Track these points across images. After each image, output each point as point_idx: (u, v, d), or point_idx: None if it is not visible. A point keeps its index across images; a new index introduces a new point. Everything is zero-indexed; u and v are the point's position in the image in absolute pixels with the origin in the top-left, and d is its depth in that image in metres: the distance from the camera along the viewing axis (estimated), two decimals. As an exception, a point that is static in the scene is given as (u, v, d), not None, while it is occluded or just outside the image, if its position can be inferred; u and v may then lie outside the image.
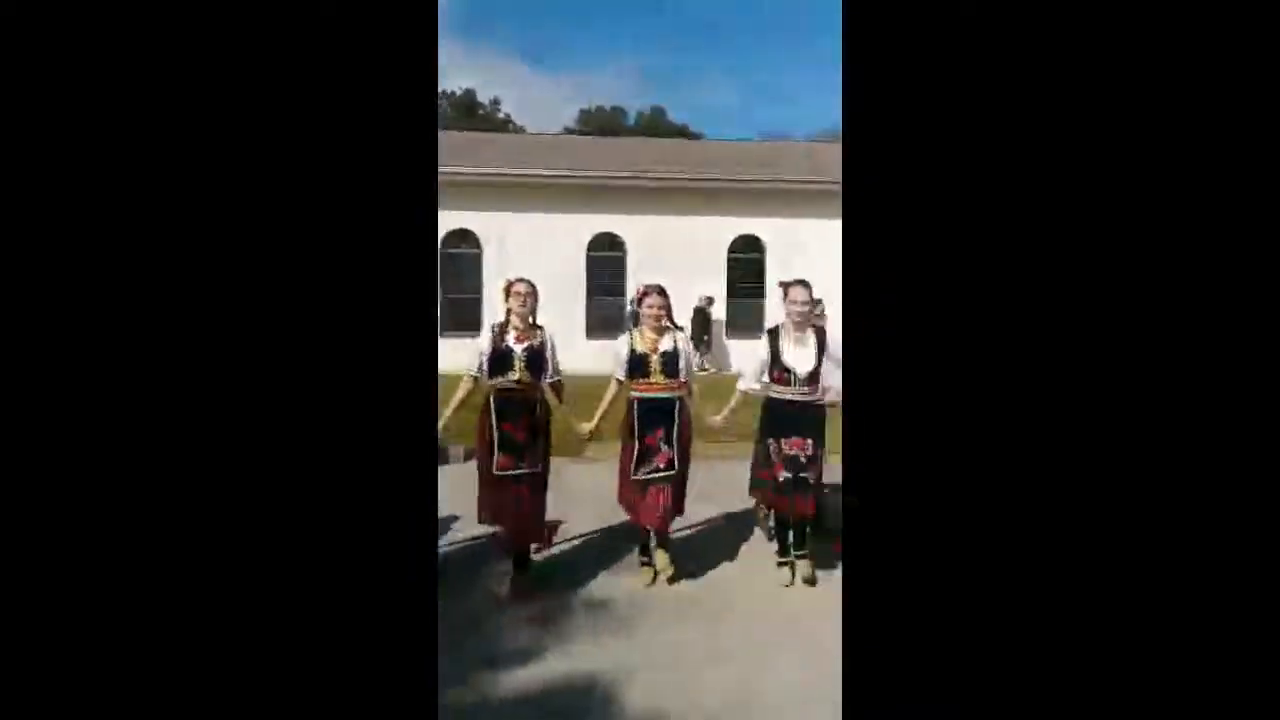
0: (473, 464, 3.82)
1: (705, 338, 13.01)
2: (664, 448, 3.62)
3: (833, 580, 3.82)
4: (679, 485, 3.72)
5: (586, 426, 3.80)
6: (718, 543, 4.44)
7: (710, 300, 13.29)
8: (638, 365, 3.64)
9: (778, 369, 3.71)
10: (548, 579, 3.78)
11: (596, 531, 4.60)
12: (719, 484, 4.82)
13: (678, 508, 3.74)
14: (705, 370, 11.76)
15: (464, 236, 13.20)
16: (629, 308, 12.34)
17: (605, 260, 13.56)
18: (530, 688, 2.81)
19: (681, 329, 3.80)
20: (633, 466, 3.63)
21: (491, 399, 3.55)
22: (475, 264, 13.21)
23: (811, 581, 3.78)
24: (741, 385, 3.89)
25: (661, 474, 3.63)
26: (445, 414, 3.55)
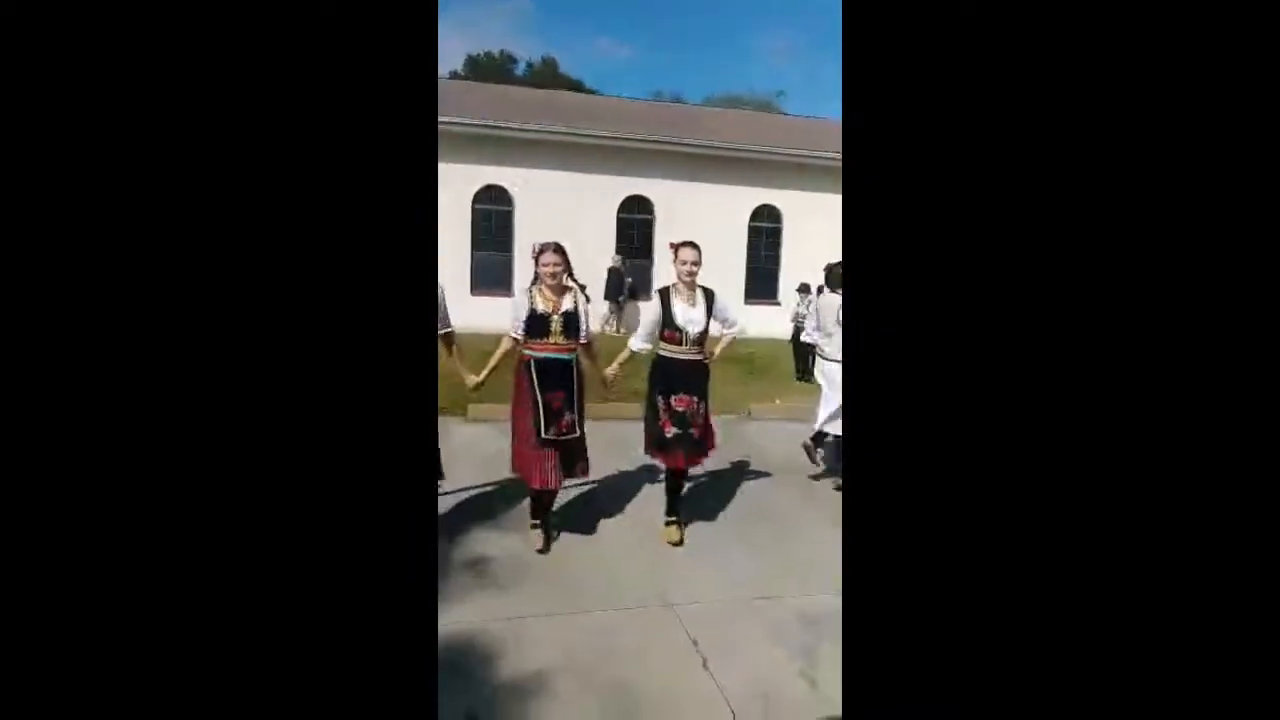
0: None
1: (620, 298, 12.99)
2: (565, 413, 3.56)
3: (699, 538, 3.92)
4: (580, 446, 3.70)
5: (474, 379, 3.81)
6: (608, 502, 4.47)
7: (623, 260, 13.25)
8: (537, 325, 3.56)
9: (669, 328, 3.76)
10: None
11: (475, 488, 4.53)
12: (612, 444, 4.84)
13: (581, 469, 3.73)
14: (619, 333, 11.72)
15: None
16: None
17: (492, 214, 13.24)
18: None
19: (584, 287, 3.78)
20: (540, 428, 3.53)
21: (532, 366, 3.56)
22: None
23: (677, 543, 3.85)
24: (633, 344, 3.92)
25: (565, 437, 3.58)
26: (483, 374, 3.79)
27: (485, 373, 3.78)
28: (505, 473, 4.03)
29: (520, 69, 39.82)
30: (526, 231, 12.74)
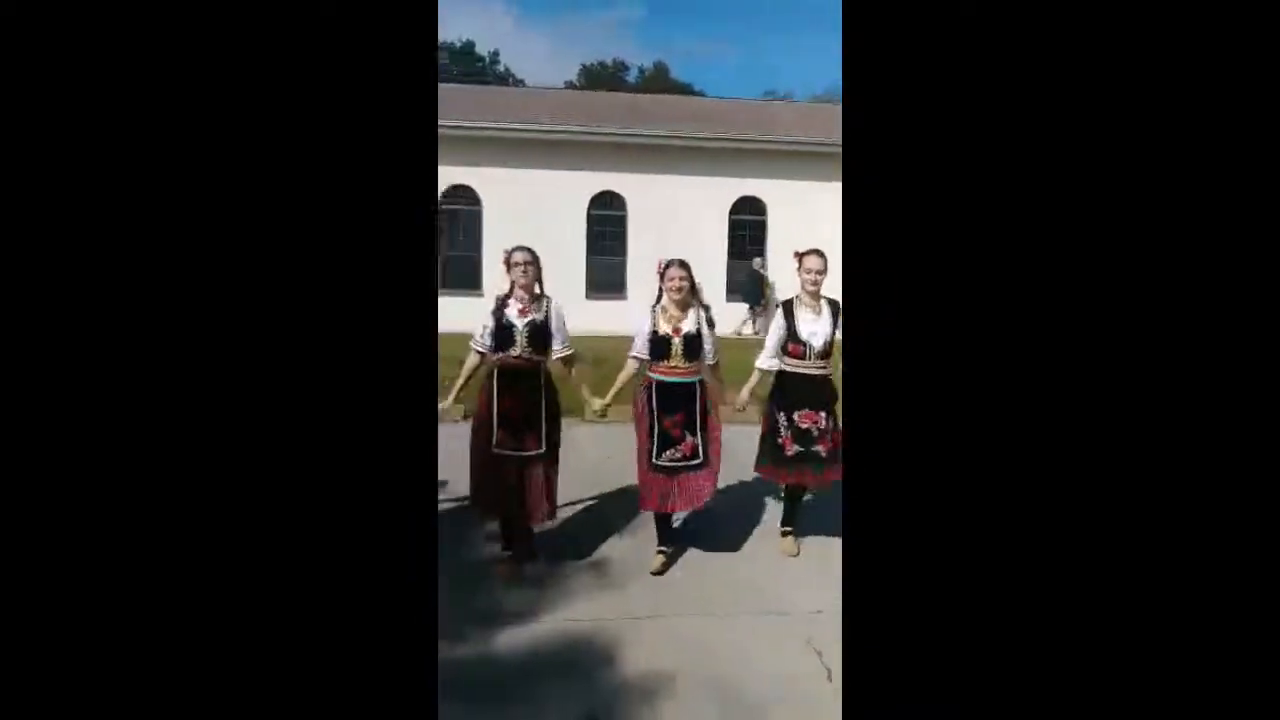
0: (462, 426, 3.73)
1: (760, 301, 12.99)
2: (687, 436, 3.45)
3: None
4: (706, 475, 3.53)
5: (600, 403, 3.65)
6: (728, 508, 4.45)
7: (762, 262, 13.23)
8: (659, 347, 3.44)
9: (793, 342, 3.63)
10: (547, 549, 3.77)
11: (594, 499, 4.60)
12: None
13: (699, 498, 3.54)
14: (758, 334, 11.73)
15: (463, 192, 13.06)
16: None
17: (606, 219, 13.44)
18: (529, 643, 2.82)
19: (708, 307, 3.63)
20: (653, 451, 3.47)
21: (494, 375, 3.42)
22: (475, 220, 13.10)
23: (794, 554, 3.76)
24: (760, 363, 3.78)
25: (684, 463, 3.47)
26: (451, 393, 3.49)
27: (610, 396, 3.65)
28: (622, 478, 4.06)
29: (632, 75, 40.30)
30: (639, 236, 12.88)
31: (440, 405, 3.38)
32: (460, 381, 3.54)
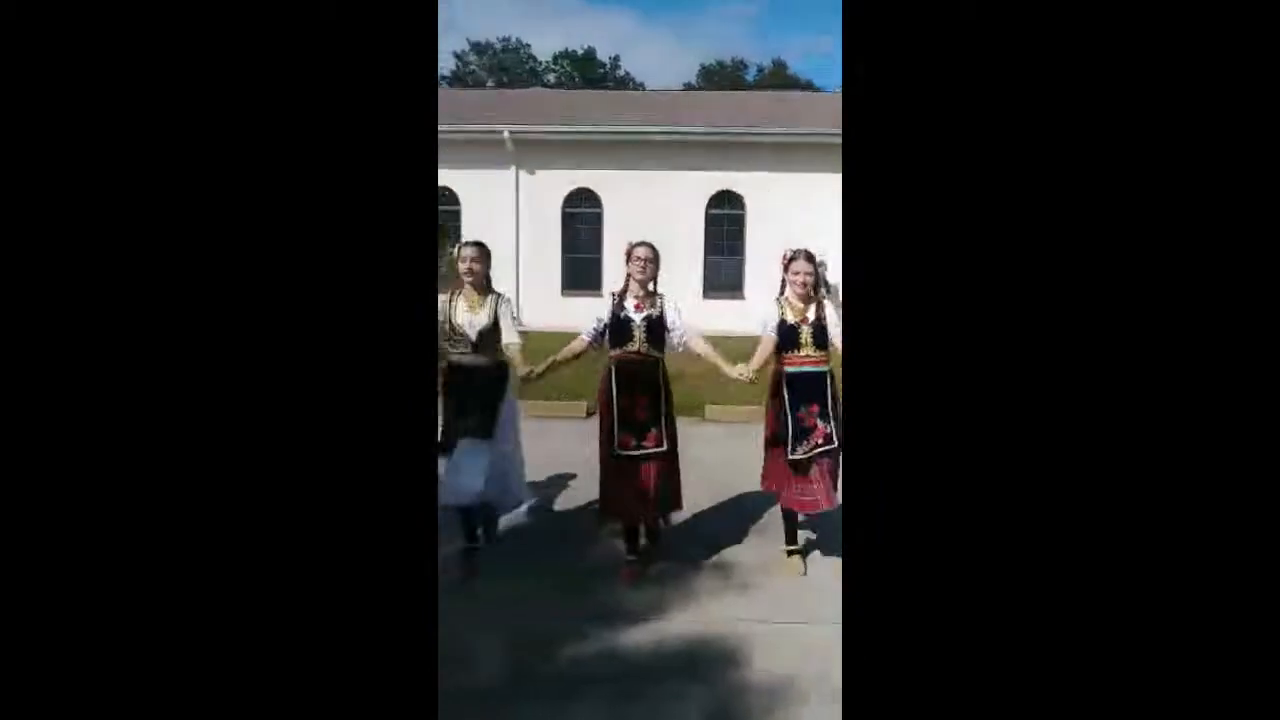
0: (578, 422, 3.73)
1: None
2: (819, 423, 3.36)
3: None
4: (837, 461, 3.42)
5: (743, 368, 3.31)
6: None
7: (824, 263, 12.89)
8: (788, 336, 3.38)
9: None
10: (669, 548, 3.74)
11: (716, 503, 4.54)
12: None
13: (834, 485, 3.40)
14: None
15: (585, 195, 13.30)
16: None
17: (724, 218, 13.34)
18: (653, 643, 2.79)
19: (829, 296, 3.52)
20: (789, 445, 3.37)
21: (612, 371, 3.41)
22: (596, 223, 13.31)
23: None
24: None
25: (822, 449, 3.36)
26: (542, 365, 3.38)
27: (755, 362, 3.39)
28: (746, 479, 3.99)
29: (751, 74, 39.91)
30: (757, 235, 12.71)
31: (535, 370, 3.34)
32: (555, 358, 3.44)
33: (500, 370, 3.48)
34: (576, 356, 3.52)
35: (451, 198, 13.34)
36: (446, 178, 13.22)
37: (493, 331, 3.41)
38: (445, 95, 22.06)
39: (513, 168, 13.05)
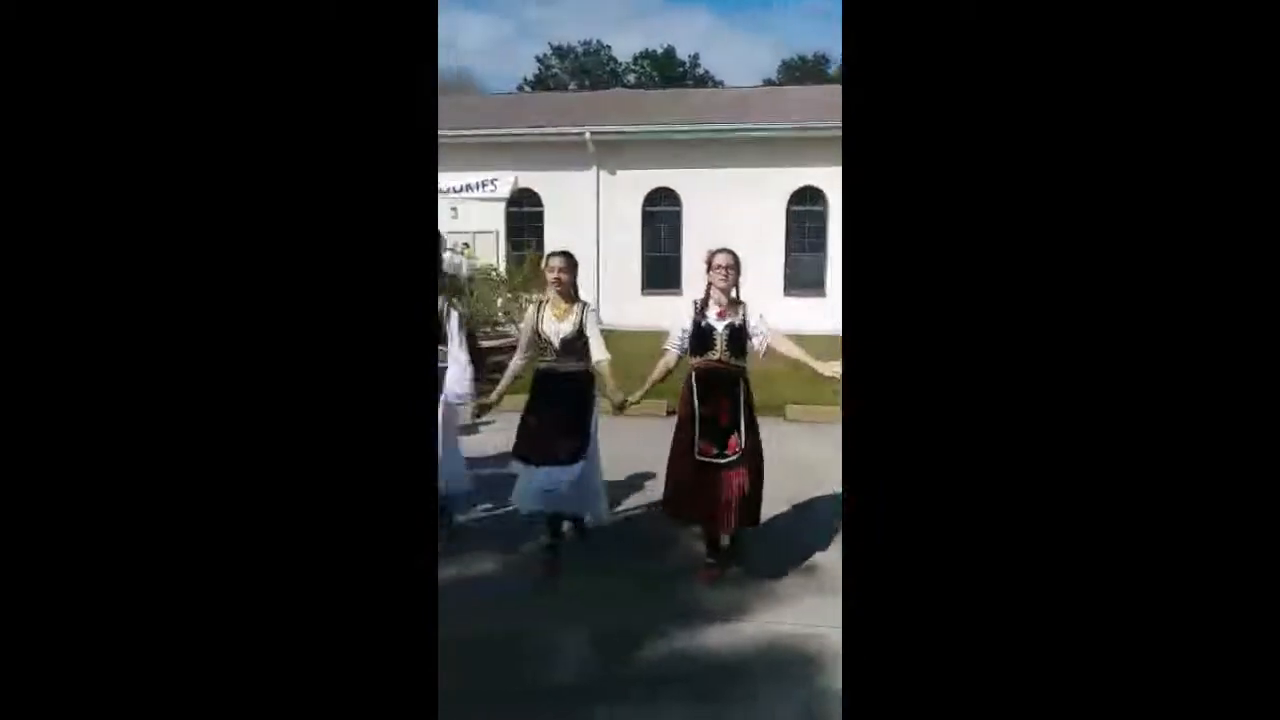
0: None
1: None
2: None
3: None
4: None
5: (836, 365, 3.21)
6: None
7: None
8: None
9: None
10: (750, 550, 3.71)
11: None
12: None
13: None
14: None
15: (665, 194, 13.31)
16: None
17: (806, 215, 13.13)
18: (731, 645, 2.77)
19: None
20: None
21: (693, 379, 3.39)
22: (675, 221, 13.31)
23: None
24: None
25: None
26: (642, 389, 3.48)
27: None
28: (826, 481, 3.91)
29: (832, 68, 39.14)
30: (839, 231, 12.44)
31: (630, 398, 3.48)
32: (654, 377, 3.52)
33: (586, 378, 3.51)
34: (670, 372, 3.54)
35: (534, 199, 13.58)
36: (529, 180, 13.47)
37: (578, 338, 3.46)
38: (527, 99, 22.47)
39: (594, 168, 13.18)
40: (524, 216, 13.69)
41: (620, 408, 3.46)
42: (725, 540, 3.56)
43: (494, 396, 3.63)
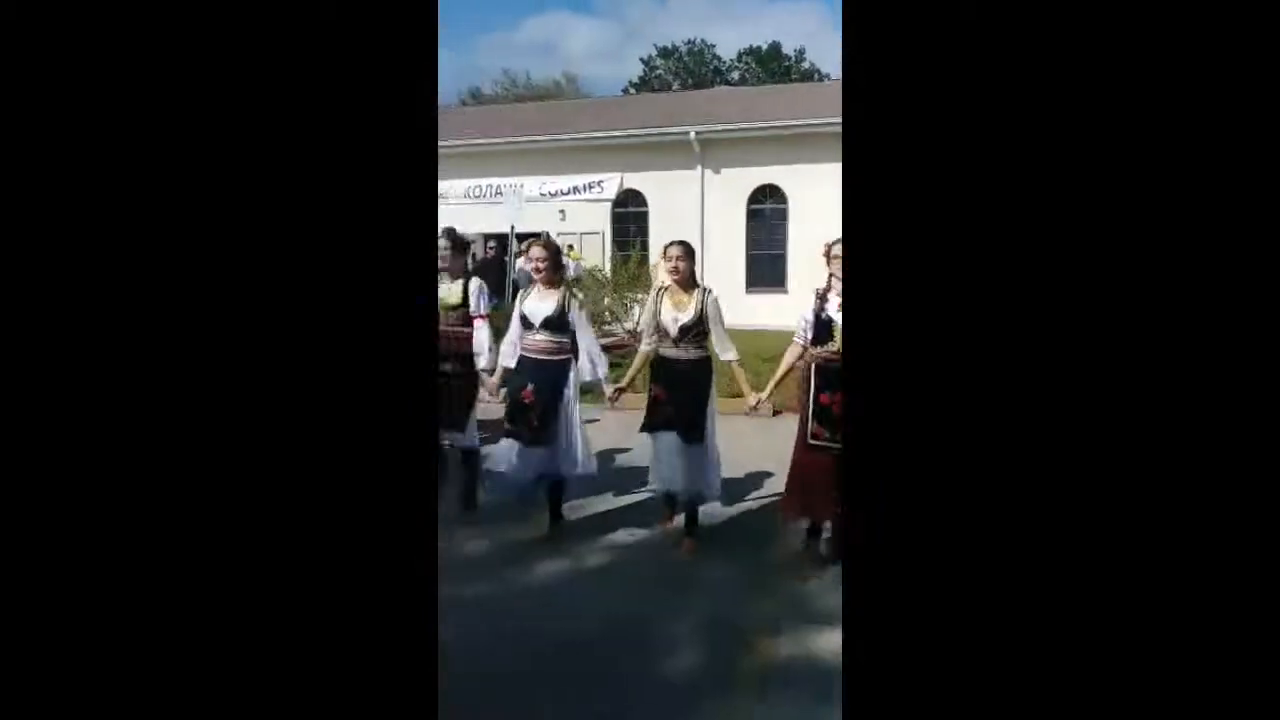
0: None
1: None
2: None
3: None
4: None
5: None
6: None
7: None
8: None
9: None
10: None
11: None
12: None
13: None
14: None
15: (770, 191, 13.18)
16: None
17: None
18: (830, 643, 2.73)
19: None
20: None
21: (812, 370, 3.42)
22: (780, 218, 13.16)
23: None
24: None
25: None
26: (769, 385, 3.63)
27: None
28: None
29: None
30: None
31: (759, 397, 3.65)
32: (781, 371, 3.62)
33: (705, 365, 3.61)
34: (795, 365, 3.60)
35: (639, 200, 13.73)
36: (633, 181, 13.62)
37: (696, 325, 3.54)
38: (632, 101, 22.72)
39: (698, 167, 13.21)
40: (629, 217, 13.86)
41: (756, 408, 3.64)
42: (827, 532, 3.55)
43: (625, 381, 3.79)
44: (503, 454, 3.68)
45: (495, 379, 3.84)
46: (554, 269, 3.77)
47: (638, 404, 3.90)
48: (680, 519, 3.74)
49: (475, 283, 4.03)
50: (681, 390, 3.55)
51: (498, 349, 3.91)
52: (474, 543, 3.71)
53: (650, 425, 3.65)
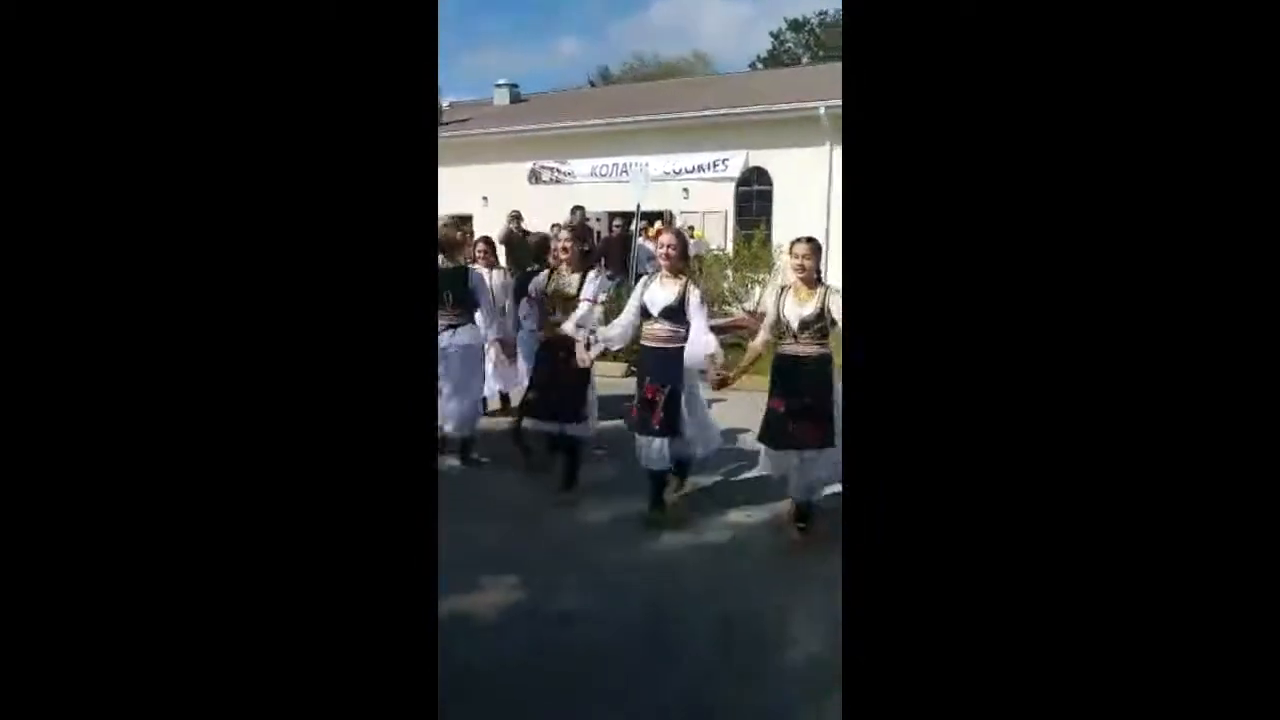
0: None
1: None
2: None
3: None
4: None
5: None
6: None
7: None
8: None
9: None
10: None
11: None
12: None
13: None
14: None
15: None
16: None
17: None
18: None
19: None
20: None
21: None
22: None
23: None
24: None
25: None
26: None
27: None
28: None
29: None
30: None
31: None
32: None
33: (827, 361, 3.55)
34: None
35: (764, 178, 13.51)
36: (758, 158, 13.41)
37: (817, 320, 3.50)
38: (760, 77, 22.30)
39: (827, 144, 12.84)
40: (753, 195, 13.67)
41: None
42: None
43: (734, 374, 3.79)
44: (643, 449, 3.75)
45: (592, 353, 3.88)
46: (681, 257, 3.80)
47: (755, 385, 3.88)
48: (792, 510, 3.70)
49: (592, 275, 4.11)
50: (803, 395, 3.48)
51: (603, 324, 3.97)
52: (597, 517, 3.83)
53: (772, 440, 3.60)
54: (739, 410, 4.72)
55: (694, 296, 3.73)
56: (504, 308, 4.96)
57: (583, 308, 3.94)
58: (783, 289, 3.68)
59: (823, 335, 3.52)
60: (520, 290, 4.63)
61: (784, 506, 3.79)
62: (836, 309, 3.46)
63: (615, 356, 5.36)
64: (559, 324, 4.00)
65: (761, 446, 3.72)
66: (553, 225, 4.19)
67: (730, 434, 4.67)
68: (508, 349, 4.80)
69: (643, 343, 3.80)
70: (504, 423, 5.06)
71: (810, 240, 3.58)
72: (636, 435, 3.78)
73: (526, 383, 4.52)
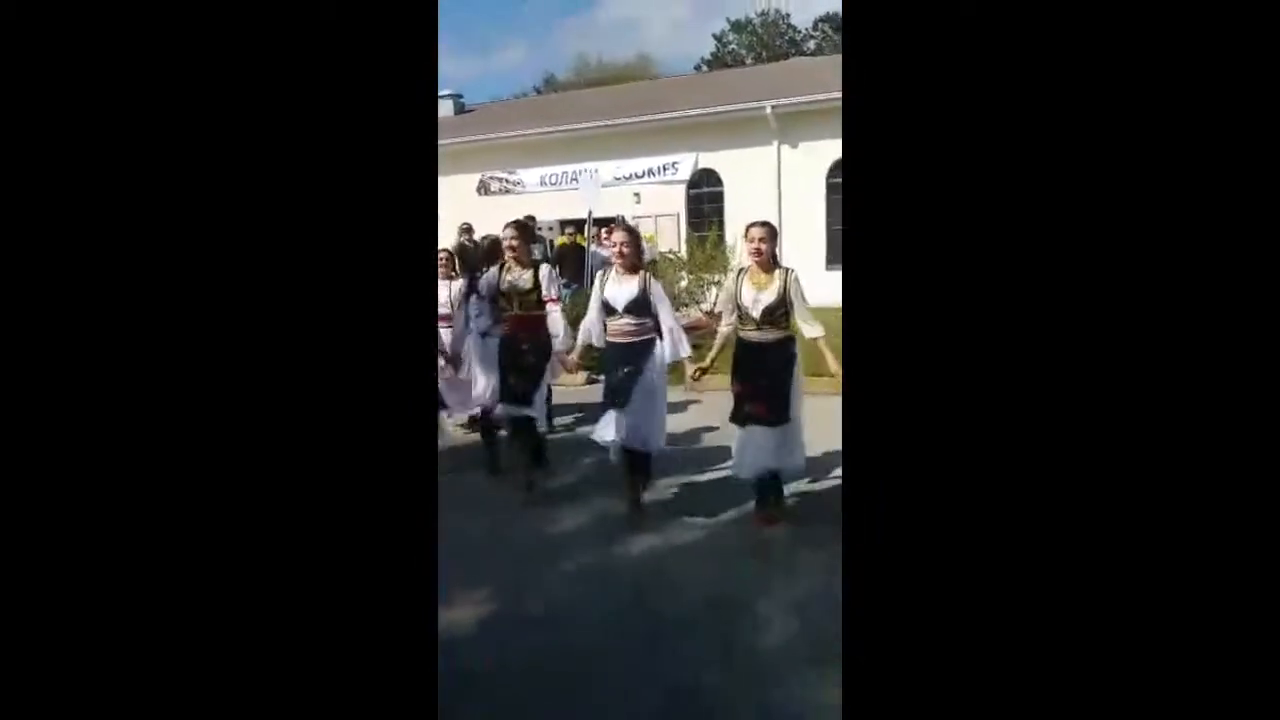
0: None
1: None
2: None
3: None
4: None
5: None
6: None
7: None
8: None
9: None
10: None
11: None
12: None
13: None
14: None
15: (848, 164, 12.82)
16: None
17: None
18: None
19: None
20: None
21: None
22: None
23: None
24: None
25: None
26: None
27: None
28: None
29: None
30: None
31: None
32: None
33: (787, 345, 3.60)
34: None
35: (714, 179, 13.59)
36: (709, 160, 13.49)
37: (779, 307, 3.52)
38: (704, 79, 22.45)
39: (774, 143, 12.97)
40: (704, 197, 13.75)
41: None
42: None
43: (708, 360, 3.83)
44: (604, 424, 3.76)
45: (574, 357, 3.98)
46: (636, 254, 3.80)
47: (722, 385, 3.89)
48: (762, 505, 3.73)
49: (545, 269, 4.15)
50: (763, 377, 3.55)
51: (573, 331, 4.04)
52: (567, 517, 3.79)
53: (739, 419, 3.66)
54: (717, 412, 4.72)
55: (656, 288, 3.77)
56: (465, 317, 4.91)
57: (557, 320, 4.01)
58: (740, 271, 3.69)
59: (783, 320, 3.56)
60: (470, 289, 4.58)
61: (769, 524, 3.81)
62: (797, 296, 3.53)
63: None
64: (516, 318, 4.10)
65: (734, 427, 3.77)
66: (505, 225, 4.20)
67: (701, 433, 4.65)
68: (454, 360, 4.71)
69: (609, 339, 3.79)
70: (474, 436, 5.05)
71: (766, 224, 3.61)
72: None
73: (485, 395, 4.51)
